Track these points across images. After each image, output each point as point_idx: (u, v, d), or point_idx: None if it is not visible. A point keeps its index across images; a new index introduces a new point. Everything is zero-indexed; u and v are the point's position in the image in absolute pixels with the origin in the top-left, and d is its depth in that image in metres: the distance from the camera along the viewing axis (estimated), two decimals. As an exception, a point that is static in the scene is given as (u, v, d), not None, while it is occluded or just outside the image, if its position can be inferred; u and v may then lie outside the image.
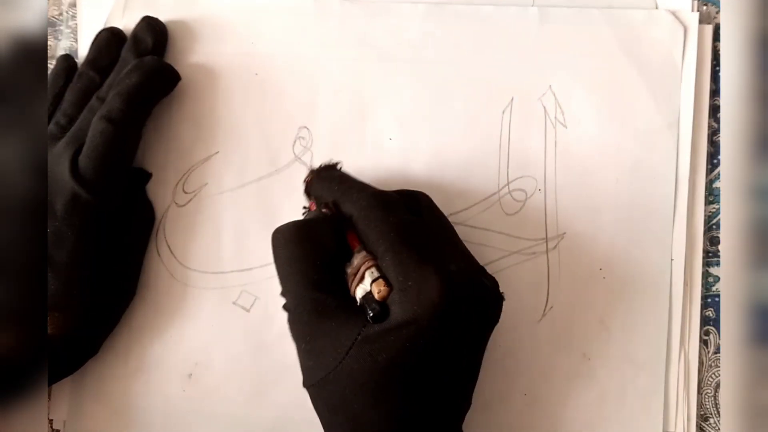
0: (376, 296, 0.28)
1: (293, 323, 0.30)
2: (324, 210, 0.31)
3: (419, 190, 0.33)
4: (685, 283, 0.36)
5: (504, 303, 0.36)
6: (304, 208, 0.34)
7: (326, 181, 0.32)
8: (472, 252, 0.36)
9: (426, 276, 0.27)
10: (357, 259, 0.29)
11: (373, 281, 0.28)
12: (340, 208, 0.31)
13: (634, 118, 0.36)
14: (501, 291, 0.31)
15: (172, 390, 0.37)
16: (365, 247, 0.29)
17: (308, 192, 0.34)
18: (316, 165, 0.35)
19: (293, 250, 0.29)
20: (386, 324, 0.27)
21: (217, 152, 0.38)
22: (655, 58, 0.36)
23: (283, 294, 0.30)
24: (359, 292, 0.29)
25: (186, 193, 0.38)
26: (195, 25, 0.39)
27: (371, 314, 0.28)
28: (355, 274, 0.29)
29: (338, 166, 0.34)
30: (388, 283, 0.28)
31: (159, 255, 0.38)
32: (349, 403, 0.28)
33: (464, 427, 0.34)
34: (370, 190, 0.31)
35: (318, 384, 0.29)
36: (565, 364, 0.36)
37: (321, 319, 0.28)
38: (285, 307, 0.30)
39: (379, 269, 0.29)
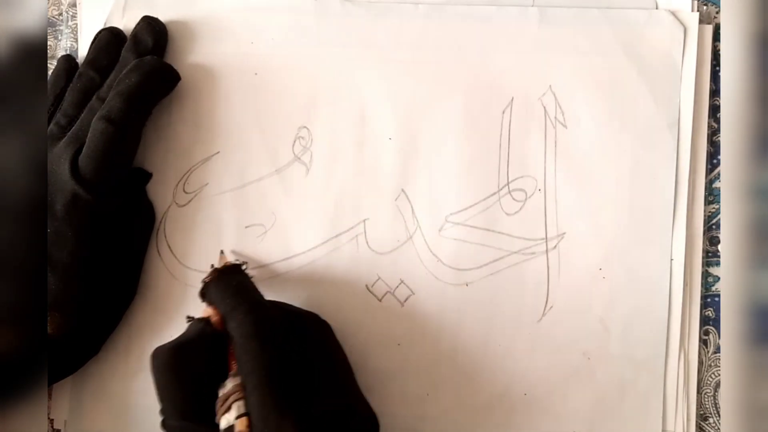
0: None
1: None
2: (204, 326, 0.31)
3: (317, 313, 0.33)
4: (685, 283, 0.36)
5: (504, 303, 0.36)
6: (188, 318, 0.33)
7: (222, 288, 0.32)
8: (471, 251, 0.36)
9: (283, 426, 0.27)
10: (229, 385, 0.29)
11: (238, 417, 0.28)
12: (226, 325, 0.31)
13: (634, 118, 0.36)
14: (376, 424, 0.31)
15: (173, 390, 0.37)
16: (238, 371, 0.30)
17: (203, 294, 0.33)
18: (220, 263, 0.34)
19: (164, 377, 0.30)
20: None
21: (217, 152, 0.38)
22: (655, 58, 0.36)
23: (159, 412, 0.30)
24: (223, 423, 0.29)
25: (186, 193, 0.38)
26: (195, 25, 0.39)
27: None
28: (224, 402, 0.29)
29: (243, 268, 0.34)
30: (250, 422, 0.28)
31: (159, 255, 0.38)
32: None
33: (464, 426, 0.34)
34: (254, 312, 0.30)
35: None
36: (565, 364, 0.36)
37: None
38: (161, 424, 0.30)
39: (245, 403, 0.29)
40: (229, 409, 0.29)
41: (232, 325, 0.30)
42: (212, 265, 0.35)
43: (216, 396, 0.30)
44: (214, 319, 0.31)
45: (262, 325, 0.30)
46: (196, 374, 0.30)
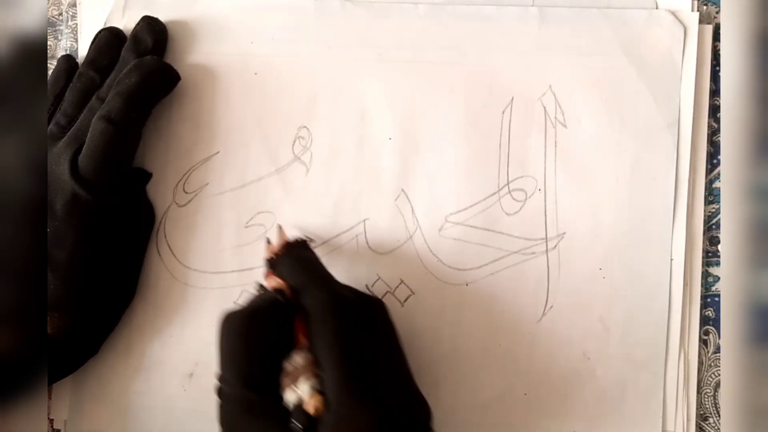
0: (310, 409, 0.27)
1: (222, 411, 0.29)
2: (277, 296, 0.30)
3: (377, 297, 0.32)
4: (685, 283, 0.36)
5: (504, 303, 0.36)
6: (259, 286, 0.32)
7: (293, 261, 0.32)
8: (471, 251, 0.36)
9: (363, 411, 0.27)
10: (299, 359, 0.29)
11: (312, 394, 0.28)
12: (298, 297, 0.30)
13: (634, 118, 0.36)
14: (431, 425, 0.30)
15: (173, 389, 0.38)
16: (311, 347, 0.29)
17: (272, 264, 0.33)
18: (287, 235, 0.34)
19: (234, 343, 0.29)
20: None
21: (217, 152, 0.38)
22: (655, 58, 0.36)
23: (218, 378, 0.29)
24: (291, 396, 0.28)
25: (186, 193, 0.38)
26: (195, 25, 0.39)
27: (298, 429, 0.27)
28: (292, 375, 0.28)
29: (310, 244, 0.34)
30: (326, 400, 0.27)
31: (159, 255, 0.38)
32: None
33: (464, 426, 0.34)
34: (331, 289, 0.30)
35: None
36: (565, 363, 0.36)
37: (249, 418, 0.28)
38: (217, 392, 0.29)
39: (318, 380, 0.28)
40: (297, 383, 0.28)
41: (308, 300, 0.30)
42: (267, 239, 0.34)
43: (279, 369, 0.29)
44: (288, 292, 0.30)
45: (338, 303, 0.29)
46: (265, 344, 0.29)
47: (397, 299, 0.37)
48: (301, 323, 0.30)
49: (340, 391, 0.27)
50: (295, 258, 0.32)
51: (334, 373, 0.28)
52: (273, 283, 0.32)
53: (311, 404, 0.27)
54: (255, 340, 0.29)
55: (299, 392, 0.28)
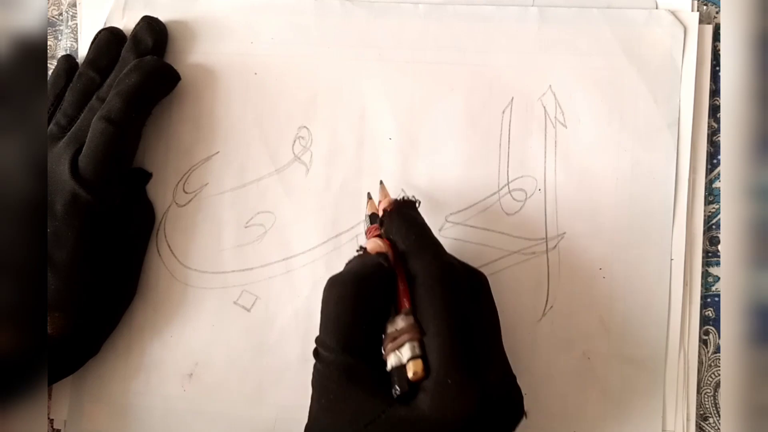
0: (410, 375, 0.27)
1: (320, 375, 0.28)
2: (383, 260, 0.29)
3: (481, 271, 0.31)
4: (685, 283, 0.36)
5: (504, 303, 0.35)
6: (360, 248, 0.31)
7: (403, 222, 0.31)
8: (471, 251, 0.36)
9: (467, 383, 0.26)
10: (402, 322, 0.28)
11: (412, 358, 0.27)
12: (404, 259, 0.29)
13: (634, 118, 0.36)
14: (524, 408, 0.30)
15: (173, 390, 0.37)
16: (414, 312, 0.28)
17: (381, 221, 0.31)
18: (383, 195, 0.33)
19: (340, 310, 0.28)
20: (413, 412, 0.26)
21: (217, 152, 0.38)
22: (655, 58, 0.37)
23: (318, 341, 0.29)
24: (392, 360, 0.28)
25: (186, 193, 0.38)
26: (195, 25, 0.39)
27: (397, 392, 0.27)
28: (395, 339, 0.28)
29: (417, 205, 0.32)
30: (425, 366, 0.27)
31: (159, 255, 0.38)
32: None
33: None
34: (441, 256, 0.30)
35: None
36: (565, 363, 0.36)
37: (349, 384, 0.27)
38: (314, 353, 0.29)
39: (421, 346, 0.27)
40: (400, 347, 0.27)
41: (417, 264, 0.29)
42: (369, 194, 0.34)
43: (380, 334, 0.28)
44: (391, 254, 0.30)
45: (447, 270, 0.29)
46: (370, 311, 0.28)
47: (397, 299, 0.37)
48: (405, 286, 0.29)
49: (445, 360, 0.27)
50: (404, 218, 0.31)
51: (439, 340, 0.27)
52: (375, 245, 0.30)
53: (411, 368, 0.27)
54: (360, 307, 0.28)
55: (400, 355, 0.27)
